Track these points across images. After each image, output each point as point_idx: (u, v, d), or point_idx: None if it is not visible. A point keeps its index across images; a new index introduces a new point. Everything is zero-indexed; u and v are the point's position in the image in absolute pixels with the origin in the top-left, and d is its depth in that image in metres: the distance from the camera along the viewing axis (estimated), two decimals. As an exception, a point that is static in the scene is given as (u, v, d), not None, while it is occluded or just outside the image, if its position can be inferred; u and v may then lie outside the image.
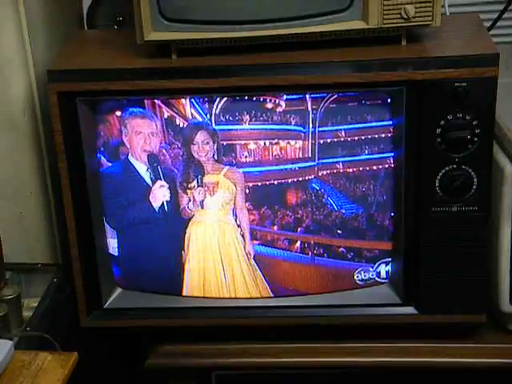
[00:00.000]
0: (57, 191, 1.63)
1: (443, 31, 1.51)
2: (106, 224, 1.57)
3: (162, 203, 1.55)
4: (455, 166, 1.46)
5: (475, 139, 1.44)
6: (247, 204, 1.55)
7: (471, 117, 1.43)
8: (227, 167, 1.53)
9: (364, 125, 1.48)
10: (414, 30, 1.49)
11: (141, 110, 1.50)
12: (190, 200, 1.55)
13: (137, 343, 1.67)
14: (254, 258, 1.59)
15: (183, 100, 1.48)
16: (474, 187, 1.47)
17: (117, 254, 1.60)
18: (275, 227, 1.56)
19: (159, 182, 1.54)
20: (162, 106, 1.49)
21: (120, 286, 1.61)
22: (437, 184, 1.47)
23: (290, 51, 1.48)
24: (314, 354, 1.62)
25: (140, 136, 1.51)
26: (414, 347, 1.60)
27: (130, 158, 1.54)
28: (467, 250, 1.50)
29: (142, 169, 1.54)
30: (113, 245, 1.59)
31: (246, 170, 1.53)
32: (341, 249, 1.56)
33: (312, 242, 1.56)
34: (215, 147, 1.51)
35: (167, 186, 1.54)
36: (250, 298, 1.60)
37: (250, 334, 1.62)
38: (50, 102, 1.47)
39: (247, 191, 1.54)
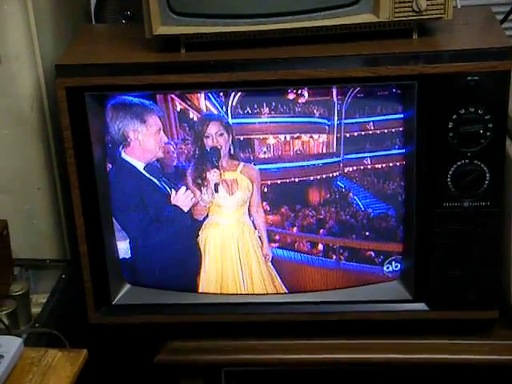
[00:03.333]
0: (65, 187, 1.63)
1: (455, 24, 1.50)
2: (115, 222, 1.56)
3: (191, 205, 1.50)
4: (467, 160, 1.44)
5: (488, 134, 1.42)
6: (264, 204, 1.48)
7: (484, 111, 1.41)
8: (243, 163, 1.46)
9: (395, 116, 1.41)
10: (425, 24, 1.48)
11: (151, 104, 1.46)
12: (202, 191, 1.49)
13: (146, 339, 1.67)
14: (271, 261, 1.54)
15: (198, 93, 1.44)
16: (487, 182, 1.45)
17: (127, 254, 1.57)
18: (295, 229, 1.49)
19: (182, 188, 1.49)
20: (176, 98, 1.44)
21: (128, 282, 1.61)
22: (449, 179, 1.45)
23: (300, 45, 1.46)
24: (324, 351, 1.61)
25: (146, 133, 1.48)
26: (425, 344, 1.59)
27: (129, 158, 1.50)
28: (479, 245, 1.49)
29: (148, 169, 1.50)
30: (122, 245, 1.57)
31: (264, 166, 1.45)
32: (369, 252, 1.50)
33: (337, 245, 1.49)
34: (230, 141, 1.45)
35: (185, 188, 1.49)
36: (265, 294, 1.57)
37: (259, 330, 1.61)
38: (59, 97, 1.46)
39: (265, 190, 1.47)
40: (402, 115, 1.45)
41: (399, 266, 1.55)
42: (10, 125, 1.62)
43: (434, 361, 1.59)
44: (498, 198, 1.46)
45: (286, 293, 1.57)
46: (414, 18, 1.43)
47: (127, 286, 1.61)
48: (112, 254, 1.58)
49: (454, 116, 1.42)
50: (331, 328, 1.59)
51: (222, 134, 1.46)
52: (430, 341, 1.59)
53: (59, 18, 1.69)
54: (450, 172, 1.45)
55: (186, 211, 1.52)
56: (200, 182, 1.50)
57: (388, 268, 1.55)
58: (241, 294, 1.58)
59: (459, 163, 1.45)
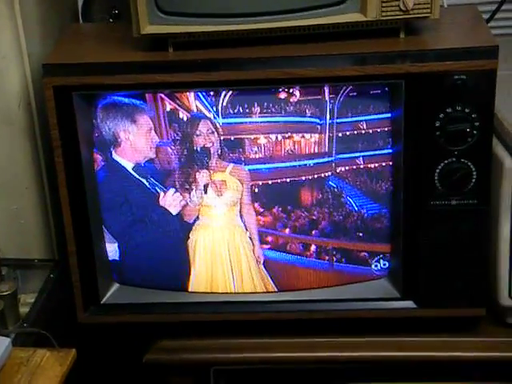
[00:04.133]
0: (53, 186, 1.62)
1: (442, 23, 1.50)
2: (103, 221, 1.56)
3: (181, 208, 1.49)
4: (454, 159, 1.45)
5: (474, 132, 1.43)
6: (256, 205, 1.47)
7: (470, 110, 1.42)
8: (232, 165, 1.45)
9: (386, 115, 1.41)
10: (412, 23, 1.48)
11: (139, 104, 1.46)
12: (191, 192, 1.48)
13: (134, 339, 1.66)
14: (263, 264, 1.53)
15: (187, 92, 1.43)
16: (474, 180, 1.46)
17: (116, 254, 1.57)
18: (287, 230, 1.47)
19: (170, 191, 1.48)
20: (165, 98, 1.42)
21: (117, 281, 1.60)
22: (436, 177, 1.46)
23: (287, 44, 1.46)
24: (313, 349, 1.62)
25: (134, 133, 1.47)
26: (413, 341, 1.60)
27: (118, 158, 1.49)
28: (467, 243, 1.49)
29: (136, 170, 1.49)
30: (111, 246, 1.56)
31: (256, 166, 1.43)
32: (363, 253, 1.49)
33: (330, 246, 1.47)
34: (220, 142, 1.43)
35: (174, 190, 1.48)
36: (254, 293, 1.57)
37: (248, 328, 1.61)
38: (46, 96, 1.45)
39: (256, 190, 1.45)
40: (389, 114, 1.45)
41: (387, 264, 1.55)
42: (-3, 124, 1.61)
43: (422, 358, 1.60)
44: (485, 196, 1.47)
45: (275, 291, 1.57)
46: (401, 17, 1.43)
47: (116, 286, 1.61)
48: (100, 254, 1.58)
49: (441, 115, 1.42)
50: (320, 326, 1.60)
51: (212, 132, 1.45)
52: (418, 338, 1.60)
53: (46, 17, 1.68)
54: (437, 170, 1.46)
55: (174, 214, 1.52)
56: (189, 183, 1.49)
57: (376, 266, 1.55)
58: (230, 293, 1.58)
59: (446, 161, 1.45)
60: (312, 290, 1.56)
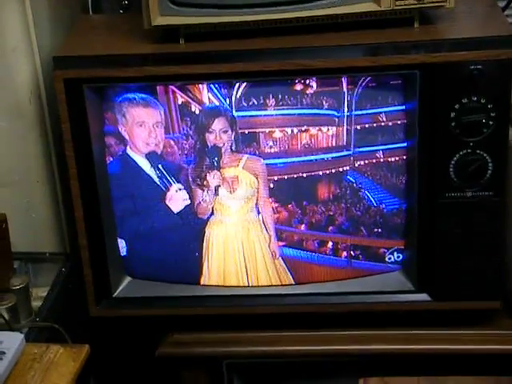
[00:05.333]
0: (64, 179, 1.61)
1: (456, 12, 1.48)
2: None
3: (184, 207, 1.47)
4: (470, 150, 1.43)
5: (490, 123, 1.41)
6: (271, 200, 1.44)
7: (486, 100, 1.40)
8: (246, 156, 1.41)
9: (401, 107, 1.38)
10: (426, 12, 1.47)
11: (150, 97, 1.44)
12: (203, 191, 1.46)
13: (147, 332, 1.66)
14: (281, 258, 1.51)
15: (200, 85, 1.41)
16: (490, 172, 1.44)
17: (127, 249, 1.56)
18: (303, 226, 1.45)
19: (175, 186, 1.45)
20: (177, 91, 1.39)
21: (129, 274, 1.60)
22: (451, 169, 1.44)
23: (300, 35, 1.45)
24: (326, 342, 1.61)
25: (143, 127, 1.45)
26: (428, 334, 1.59)
27: (130, 152, 1.47)
28: (482, 235, 1.48)
29: (147, 165, 1.47)
30: (123, 241, 1.55)
31: (271, 161, 1.39)
32: (382, 249, 1.47)
33: (347, 243, 1.44)
34: (233, 136, 1.40)
35: (182, 187, 1.46)
36: (268, 286, 1.55)
37: (261, 322, 1.61)
38: (57, 89, 1.44)
39: (271, 185, 1.43)
40: (400, 106, 1.42)
41: (401, 256, 1.54)
42: (7, 117, 1.60)
43: (436, 351, 1.59)
44: (501, 188, 1.45)
45: (289, 284, 1.55)
46: (416, 6, 1.41)
47: (128, 279, 1.60)
48: (112, 247, 1.57)
49: (457, 105, 1.40)
50: (333, 319, 1.59)
51: (226, 131, 1.42)
52: (433, 331, 1.59)
53: (56, 9, 1.67)
54: (453, 162, 1.44)
55: (175, 212, 1.49)
56: (200, 182, 1.47)
57: (390, 259, 1.54)
58: (243, 287, 1.57)
59: (461, 153, 1.43)
60: (325, 283, 1.55)
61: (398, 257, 1.54)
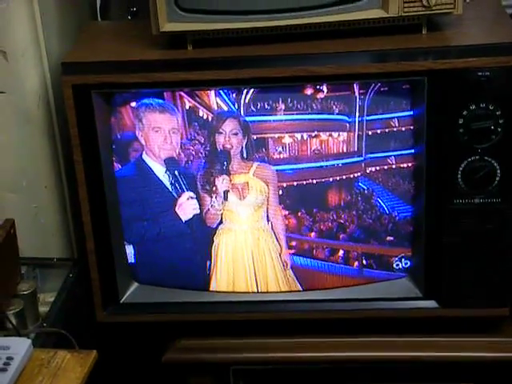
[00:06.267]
0: (72, 185, 1.61)
1: (464, 19, 1.48)
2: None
3: (192, 216, 1.46)
4: (478, 157, 1.43)
5: (498, 129, 1.41)
6: (280, 207, 1.42)
7: (494, 107, 1.40)
8: (257, 163, 1.39)
9: (414, 112, 1.36)
10: (434, 19, 1.47)
11: (159, 102, 1.44)
12: (211, 197, 1.44)
13: (154, 338, 1.66)
14: (291, 268, 1.50)
15: (208, 91, 1.40)
16: (498, 178, 1.44)
17: (135, 255, 1.56)
18: (313, 234, 1.42)
19: (186, 194, 1.44)
20: (184, 96, 1.38)
21: (136, 280, 1.60)
22: (459, 175, 1.44)
23: (308, 41, 1.45)
24: (333, 349, 1.60)
25: (159, 133, 1.44)
26: (436, 341, 1.58)
27: (145, 158, 1.46)
28: (490, 242, 1.47)
29: (160, 171, 1.46)
30: (130, 246, 1.55)
31: (280, 167, 1.37)
32: (393, 258, 1.44)
33: (359, 251, 1.41)
34: (244, 142, 1.38)
35: (194, 196, 1.44)
36: (276, 293, 1.55)
37: (268, 328, 1.60)
38: (65, 94, 1.45)
39: (281, 192, 1.41)
40: (411, 112, 1.42)
41: (409, 263, 1.54)
42: (16, 122, 1.61)
43: (444, 358, 1.58)
44: (509, 195, 1.45)
45: (298, 291, 1.55)
46: (424, 13, 1.42)
47: (135, 285, 1.60)
48: (120, 252, 1.57)
49: (465, 112, 1.40)
50: (340, 326, 1.59)
51: (236, 134, 1.41)
52: (441, 338, 1.58)
53: (64, 15, 1.68)
54: (461, 168, 1.44)
55: (184, 220, 1.49)
56: (208, 188, 1.45)
57: (398, 265, 1.54)
58: (252, 293, 1.57)
59: (469, 159, 1.43)
60: (333, 290, 1.55)
61: (406, 263, 1.54)
